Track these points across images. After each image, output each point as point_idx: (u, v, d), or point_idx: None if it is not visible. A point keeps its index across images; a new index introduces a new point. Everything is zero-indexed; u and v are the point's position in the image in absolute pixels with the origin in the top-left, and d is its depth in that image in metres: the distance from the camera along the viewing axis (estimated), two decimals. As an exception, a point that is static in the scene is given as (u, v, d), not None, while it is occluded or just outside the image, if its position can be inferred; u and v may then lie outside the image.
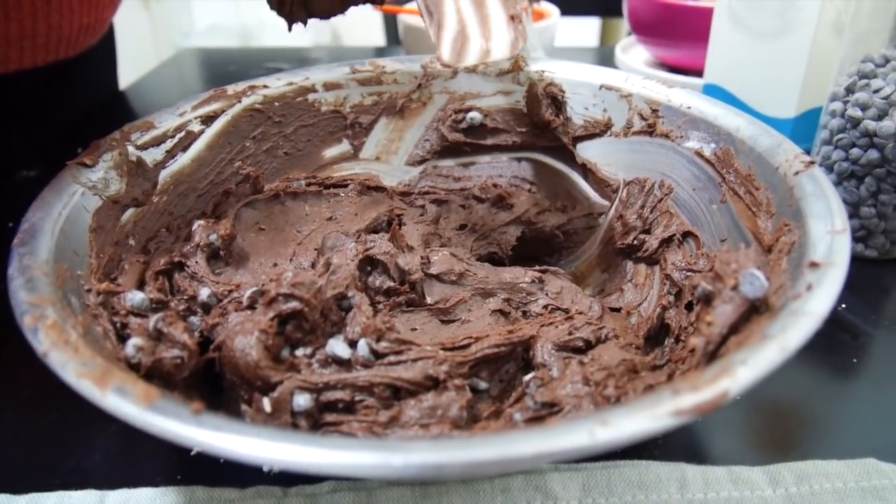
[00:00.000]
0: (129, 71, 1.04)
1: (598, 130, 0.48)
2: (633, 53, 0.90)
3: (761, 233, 0.35)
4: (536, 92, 0.49)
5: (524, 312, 0.41)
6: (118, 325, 0.32)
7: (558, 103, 0.49)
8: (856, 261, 0.49)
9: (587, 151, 0.49)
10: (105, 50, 0.82)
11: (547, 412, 0.29)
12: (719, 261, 0.30)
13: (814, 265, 0.28)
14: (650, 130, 0.45)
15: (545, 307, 0.40)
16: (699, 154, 0.42)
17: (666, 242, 0.42)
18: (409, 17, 0.82)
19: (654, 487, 0.33)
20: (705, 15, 0.68)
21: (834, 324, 0.44)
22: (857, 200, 0.48)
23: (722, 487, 0.33)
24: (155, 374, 0.30)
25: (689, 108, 0.43)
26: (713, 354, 0.28)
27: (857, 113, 0.46)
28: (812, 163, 0.35)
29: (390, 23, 1.20)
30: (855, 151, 0.47)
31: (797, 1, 0.56)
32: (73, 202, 0.36)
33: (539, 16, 0.84)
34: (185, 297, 0.37)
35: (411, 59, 0.52)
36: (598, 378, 0.30)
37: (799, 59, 0.58)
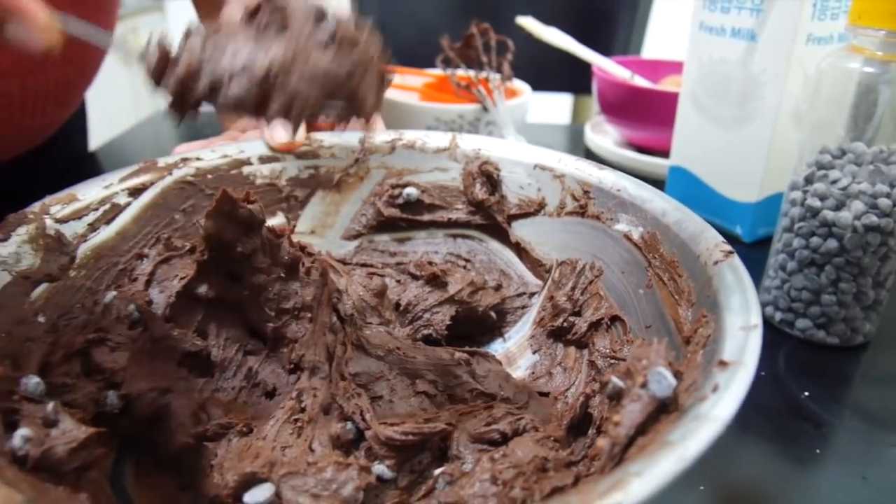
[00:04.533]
0: (106, 129, 1.02)
1: (533, 210, 0.48)
2: (603, 132, 0.91)
3: (682, 322, 0.35)
4: (472, 169, 0.49)
5: (450, 396, 0.39)
6: (9, 411, 0.30)
7: (493, 181, 0.49)
8: (817, 348, 0.49)
9: (522, 230, 0.49)
10: (76, 120, 0.81)
11: (452, 513, 0.28)
12: (632, 356, 0.30)
13: (722, 364, 0.28)
14: (582, 211, 0.45)
15: (471, 392, 0.39)
16: (628, 237, 0.42)
17: (594, 326, 0.42)
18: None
19: None
20: (671, 99, 0.69)
21: (796, 413, 0.43)
22: (818, 288, 0.48)
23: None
24: (42, 467, 0.28)
25: (618, 190, 0.44)
26: (620, 457, 0.27)
27: (816, 203, 0.46)
28: (731, 252, 0.35)
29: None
30: (815, 240, 0.47)
31: (759, 91, 0.58)
32: (-26, 279, 0.34)
33: (511, 94, 0.83)
34: (105, 376, 0.35)
35: (349, 134, 0.52)
36: (507, 477, 0.29)
37: (760, 146, 0.59)
